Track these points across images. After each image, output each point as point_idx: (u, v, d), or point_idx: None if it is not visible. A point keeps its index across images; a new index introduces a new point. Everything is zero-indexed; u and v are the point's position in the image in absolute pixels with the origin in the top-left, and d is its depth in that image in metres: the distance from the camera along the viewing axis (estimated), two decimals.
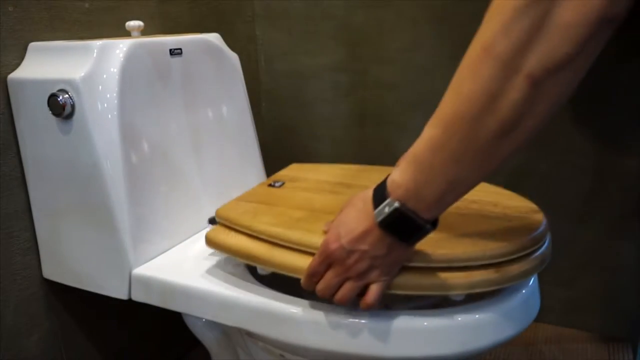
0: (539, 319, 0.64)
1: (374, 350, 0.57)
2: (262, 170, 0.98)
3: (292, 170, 0.85)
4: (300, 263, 0.59)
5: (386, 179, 0.51)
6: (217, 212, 0.70)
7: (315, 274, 0.56)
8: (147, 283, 0.71)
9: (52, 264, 0.79)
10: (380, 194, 0.50)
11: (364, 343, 0.58)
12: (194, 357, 1.09)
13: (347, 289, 0.54)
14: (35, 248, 0.80)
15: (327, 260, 0.54)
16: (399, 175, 0.49)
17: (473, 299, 0.58)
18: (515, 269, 0.56)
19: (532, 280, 0.64)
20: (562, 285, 1.11)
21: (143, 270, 0.72)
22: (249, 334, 0.71)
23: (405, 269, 0.55)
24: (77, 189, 0.73)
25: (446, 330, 0.57)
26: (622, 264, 1.05)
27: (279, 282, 0.64)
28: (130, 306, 0.78)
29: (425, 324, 0.57)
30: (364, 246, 0.51)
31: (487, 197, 0.68)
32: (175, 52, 0.79)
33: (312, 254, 0.58)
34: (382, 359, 0.58)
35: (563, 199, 1.06)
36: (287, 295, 0.63)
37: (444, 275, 0.55)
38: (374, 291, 0.54)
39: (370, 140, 1.18)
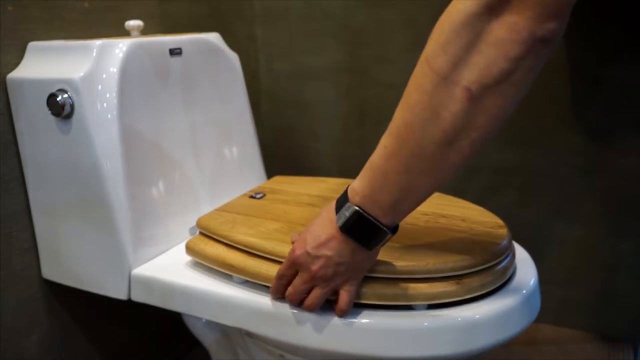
0: (539, 319, 0.64)
1: (374, 350, 0.57)
2: (262, 170, 0.98)
3: (274, 183, 0.88)
4: (274, 273, 0.61)
5: (348, 187, 0.53)
6: (197, 221, 0.73)
7: (282, 277, 0.58)
8: (147, 283, 0.71)
9: (51, 264, 0.79)
10: (341, 201, 0.53)
11: (364, 343, 0.58)
12: (194, 357, 1.09)
13: (315, 296, 0.56)
14: (35, 248, 0.79)
15: (294, 266, 0.56)
16: (357, 182, 0.51)
17: (469, 301, 0.59)
18: (476, 281, 0.58)
19: (533, 281, 0.64)
20: (561, 285, 1.11)
21: (143, 270, 0.72)
22: (249, 334, 0.71)
23: (368, 279, 0.58)
24: (77, 189, 0.73)
25: (446, 330, 0.57)
26: (621, 263, 1.05)
27: None
28: (130, 306, 0.78)
29: (426, 324, 0.56)
30: (327, 252, 0.53)
31: (457, 212, 0.71)
32: (175, 51, 0.79)
33: None
34: (382, 359, 0.58)
35: (563, 199, 1.06)
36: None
37: (406, 285, 0.57)
38: (344, 298, 0.56)
39: (370, 140, 1.18)
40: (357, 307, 0.59)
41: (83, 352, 0.89)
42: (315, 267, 0.54)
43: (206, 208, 0.84)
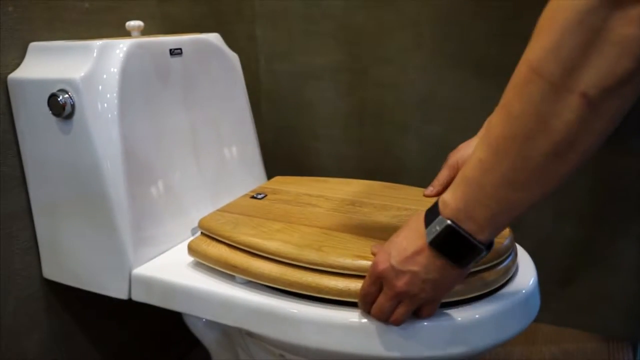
0: (539, 319, 0.64)
1: (374, 350, 0.57)
2: (262, 170, 0.98)
3: (275, 183, 0.88)
4: (276, 273, 0.61)
5: (438, 199, 0.49)
6: (199, 222, 0.73)
7: (366, 295, 0.55)
8: (148, 283, 0.71)
9: (52, 264, 0.79)
10: (432, 213, 0.49)
11: (364, 343, 0.58)
12: (194, 357, 1.09)
13: (400, 313, 0.53)
14: (35, 248, 0.80)
15: (377, 281, 0.53)
16: (449, 195, 0.48)
17: (469, 301, 0.59)
18: (478, 280, 0.58)
19: (532, 280, 0.64)
20: (561, 285, 1.11)
21: (143, 270, 0.72)
22: (249, 334, 0.71)
23: None
24: (77, 189, 0.73)
25: (446, 330, 0.57)
26: (622, 264, 1.05)
27: None
28: (130, 306, 0.78)
29: (425, 323, 0.57)
30: (414, 267, 0.50)
31: None
32: (175, 52, 0.79)
33: (288, 264, 0.62)
34: (382, 358, 0.58)
35: (563, 199, 1.06)
36: (287, 295, 0.63)
37: None
38: (425, 312, 0.55)
39: (370, 140, 1.18)
40: (358, 306, 0.59)
41: (83, 351, 0.89)
42: (400, 282, 0.51)
43: (206, 208, 0.84)
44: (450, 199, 0.47)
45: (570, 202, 1.06)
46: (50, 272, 0.80)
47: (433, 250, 0.48)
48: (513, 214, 0.45)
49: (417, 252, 0.49)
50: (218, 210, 0.76)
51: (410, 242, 0.50)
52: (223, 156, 0.90)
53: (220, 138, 0.89)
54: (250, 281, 0.65)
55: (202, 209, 0.84)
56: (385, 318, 0.55)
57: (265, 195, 0.81)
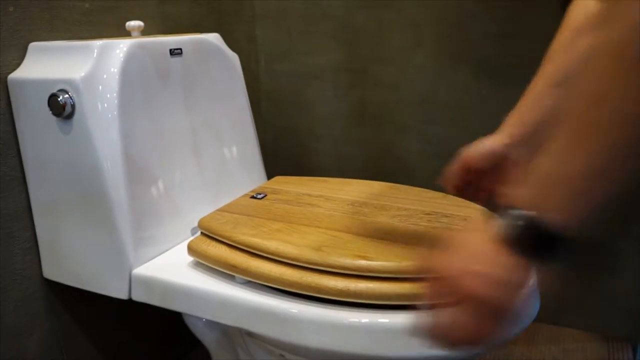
0: (538, 318, 0.64)
1: (374, 350, 0.57)
2: (262, 170, 0.98)
3: (275, 183, 0.88)
4: (276, 272, 0.61)
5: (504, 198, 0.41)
6: (199, 222, 0.73)
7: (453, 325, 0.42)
8: (148, 283, 0.71)
9: (52, 264, 0.79)
10: (500, 210, 0.41)
11: (364, 343, 0.58)
12: (194, 357, 1.09)
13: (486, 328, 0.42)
14: (36, 248, 0.80)
15: (440, 293, 0.43)
16: (519, 190, 0.41)
17: None
18: None
19: (532, 280, 0.64)
20: (561, 286, 1.11)
21: (143, 270, 0.72)
22: (249, 334, 0.71)
23: (372, 279, 0.58)
24: (78, 189, 0.73)
25: None
26: (622, 264, 1.05)
27: None
28: (130, 306, 0.78)
29: None
30: (486, 268, 0.40)
31: (460, 211, 0.72)
32: (175, 52, 0.79)
33: (287, 264, 0.62)
34: (382, 358, 0.58)
35: None
36: (287, 295, 0.63)
37: (410, 285, 0.58)
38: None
39: (370, 140, 1.19)
40: (358, 306, 0.59)
41: (84, 351, 0.89)
42: (471, 287, 0.41)
43: (206, 208, 0.84)
44: (522, 193, 0.40)
45: None
46: (50, 272, 0.80)
47: (504, 247, 0.40)
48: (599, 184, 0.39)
49: (494, 252, 0.40)
50: (218, 210, 0.76)
51: (476, 244, 0.42)
52: (223, 156, 0.90)
53: (220, 138, 0.89)
54: (250, 281, 0.65)
55: (202, 209, 0.84)
56: (469, 339, 0.43)
57: (265, 195, 0.81)
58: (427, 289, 0.43)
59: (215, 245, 0.69)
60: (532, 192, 0.40)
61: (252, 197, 0.81)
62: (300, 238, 0.65)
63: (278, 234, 0.67)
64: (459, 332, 0.42)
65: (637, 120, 0.36)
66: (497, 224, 0.40)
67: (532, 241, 0.39)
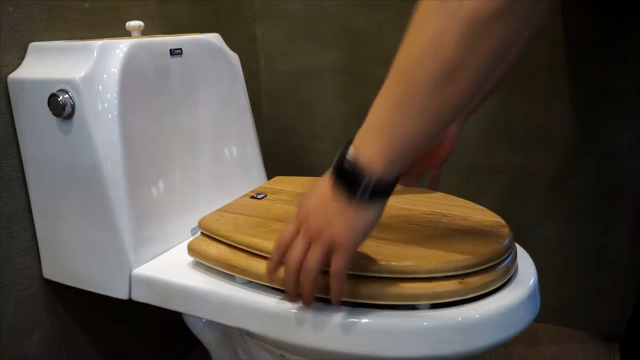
0: (538, 318, 0.64)
1: (374, 350, 0.57)
2: (262, 170, 0.98)
3: (275, 183, 0.88)
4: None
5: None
6: (199, 222, 0.73)
7: (284, 240, 0.55)
8: (148, 283, 0.71)
9: (52, 264, 0.79)
10: (338, 154, 0.52)
11: (364, 343, 0.58)
12: (194, 357, 1.09)
13: (312, 255, 0.52)
14: (36, 248, 0.80)
15: (297, 226, 0.54)
16: (360, 129, 0.51)
17: (469, 301, 0.59)
18: (478, 280, 0.58)
19: (532, 280, 0.64)
20: (561, 285, 1.11)
21: (143, 270, 0.72)
22: (249, 334, 0.71)
23: (371, 279, 0.58)
24: (78, 189, 0.73)
25: (446, 330, 0.57)
26: (622, 264, 1.05)
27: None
28: (130, 306, 0.78)
29: (426, 323, 0.57)
30: (320, 200, 0.51)
31: (459, 211, 0.71)
32: (175, 52, 0.79)
33: None
34: (382, 359, 0.58)
35: (563, 199, 1.07)
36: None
37: (409, 285, 0.57)
38: (335, 260, 0.52)
39: None
40: (358, 306, 0.59)
41: (84, 351, 0.89)
42: (310, 219, 0.52)
43: (206, 208, 0.84)
44: (358, 131, 0.50)
45: (570, 203, 1.06)
46: (50, 272, 0.80)
47: (333, 180, 0.50)
48: (409, 143, 0.48)
49: (324, 186, 0.51)
50: (218, 210, 0.76)
51: (324, 180, 0.52)
52: (223, 156, 0.90)
53: (220, 138, 0.89)
54: (250, 281, 0.65)
55: (202, 209, 0.84)
56: (297, 262, 0.53)
57: (265, 195, 0.81)
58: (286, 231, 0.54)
59: (216, 246, 0.69)
60: (357, 139, 0.50)
61: (252, 197, 0.81)
62: None
63: (278, 234, 0.67)
64: (297, 258, 0.53)
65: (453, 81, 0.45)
66: (332, 167, 0.50)
67: (344, 173, 0.49)
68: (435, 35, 0.44)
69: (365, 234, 0.52)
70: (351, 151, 0.49)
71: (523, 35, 0.44)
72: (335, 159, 0.50)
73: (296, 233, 0.54)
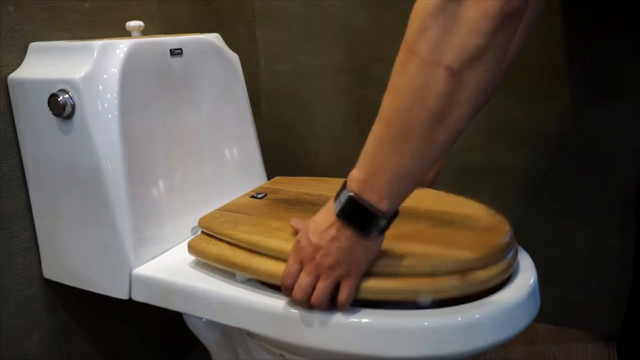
0: (539, 318, 0.64)
1: (374, 350, 0.57)
2: (262, 170, 0.98)
3: (275, 183, 0.88)
4: (277, 270, 0.61)
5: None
6: (199, 221, 0.73)
7: (289, 275, 0.58)
8: (148, 283, 0.71)
9: (52, 264, 0.79)
10: (340, 189, 0.55)
11: (364, 343, 0.58)
12: (194, 357, 1.09)
13: (319, 289, 0.56)
14: (36, 248, 0.80)
15: (299, 257, 0.57)
16: (355, 170, 0.53)
17: (471, 300, 0.59)
18: (479, 276, 0.58)
19: (532, 280, 0.64)
20: (562, 285, 1.11)
21: (143, 270, 0.72)
22: (249, 334, 0.71)
23: (373, 274, 0.58)
24: (78, 189, 0.73)
25: (446, 330, 0.57)
26: (622, 264, 1.05)
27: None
28: (130, 306, 0.78)
29: (426, 323, 0.57)
30: (328, 240, 0.54)
31: (462, 209, 0.72)
32: (175, 52, 0.79)
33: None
34: (382, 359, 0.58)
35: (563, 199, 1.07)
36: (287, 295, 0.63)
37: (411, 281, 0.57)
38: (343, 292, 0.56)
39: None
40: (358, 305, 0.59)
41: (84, 351, 0.89)
42: (318, 256, 0.55)
43: (206, 208, 0.84)
44: (354, 174, 0.53)
45: (570, 202, 1.06)
46: (50, 272, 0.80)
47: (341, 222, 0.53)
48: (407, 182, 0.52)
49: (329, 226, 0.54)
50: (218, 209, 0.76)
51: (324, 219, 0.55)
52: (223, 156, 0.90)
53: (220, 138, 0.89)
54: (250, 279, 0.65)
55: (202, 209, 0.84)
56: (305, 297, 0.57)
57: (266, 195, 0.81)
58: (289, 257, 0.58)
59: (216, 244, 0.69)
60: (358, 172, 0.53)
61: (252, 196, 0.81)
62: None
63: (278, 232, 0.67)
64: (305, 292, 0.57)
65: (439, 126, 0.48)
66: (336, 202, 0.54)
67: (353, 214, 0.53)
68: (418, 86, 0.47)
69: (372, 263, 0.57)
70: (354, 195, 0.52)
71: (502, 57, 0.47)
72: (339, 205, 0.53)
73: (300, 270, 0.57)
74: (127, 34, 0.84)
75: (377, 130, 0.51)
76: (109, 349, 0.94)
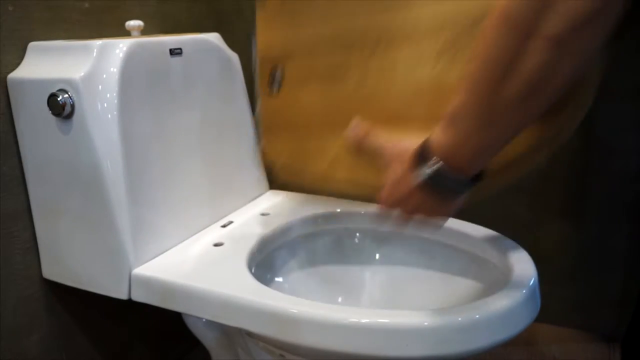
0: (539, 319, 0.64)
1: (374, 350, 0.57)
2: (262, 170, 0.98)
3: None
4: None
5: (426, 139, 0.53)
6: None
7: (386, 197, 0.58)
8: (147, 283, 0.71)
9: (52, 264, 0.79)
10: (422, 156, 0.53)
11: (364, 343, 0.58)
12: (194, 357, 1.09)
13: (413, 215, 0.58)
14: (35, 248, 0.80)
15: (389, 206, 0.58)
16: (440, 135, 0.51)
17: (469, 301, 0.59)
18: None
19: (532, 280, 0.64)
20: (562, 285, 1.11)
21: (143, 270, 0.72)
22: (249, 334, 0.71)
23: None
24: (77, 189, 0.73)
25: (446, 330, 0.57)
26: (621, 264, 1.05)
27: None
28: (130, 306, 0.78)
29: (426, 323, 0.57)
30: (410, 204, 0.55)
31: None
32: (175, 52, 0.79)
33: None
34: (382, 358, 0.58)
35: (562, 199, 1.07)
36: (287, 295, 0.63)
37: None
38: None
39: None
40: (358, 305, 0.59)
41: (83, 351, 0.89)
42: (411, 208, 0.56)
43: (206, 208, 0.84)
44: (441, 139, 0.51)
45: (571, 203, 1.06)
46: (50, 272, 0.80)
47: (430, 188, 0.53)
48: (493, 151, 0.50)
49: (411, 194, 0.54)
50: None
51: (403, 183, 0.55)
52: (223, 156, 0.90)
53: (220, 138, 0.89)
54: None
55: (202, 209, 0.84)
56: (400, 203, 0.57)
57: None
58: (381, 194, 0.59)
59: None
60: (446, 138, 0.50)
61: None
62: None
63: None
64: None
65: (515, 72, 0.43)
66: (419, 170, 0.53)
67: (441, 185, 0.52)
68: (509, 57, 0.43)
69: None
70: (443, 163, 0.51)
71: (610, 26, 0.42)
72: (423, 173, 0.52)
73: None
74: (126, 33, 0.84)
75: (461, 100, 0.48)
76: (109, 349, 0.94)
